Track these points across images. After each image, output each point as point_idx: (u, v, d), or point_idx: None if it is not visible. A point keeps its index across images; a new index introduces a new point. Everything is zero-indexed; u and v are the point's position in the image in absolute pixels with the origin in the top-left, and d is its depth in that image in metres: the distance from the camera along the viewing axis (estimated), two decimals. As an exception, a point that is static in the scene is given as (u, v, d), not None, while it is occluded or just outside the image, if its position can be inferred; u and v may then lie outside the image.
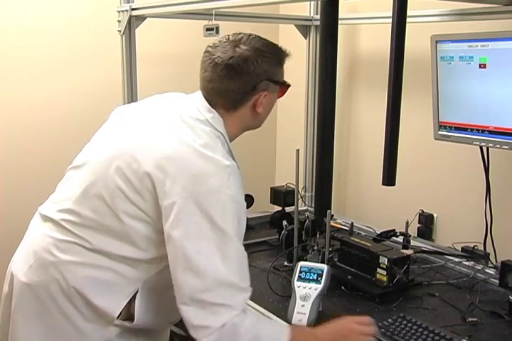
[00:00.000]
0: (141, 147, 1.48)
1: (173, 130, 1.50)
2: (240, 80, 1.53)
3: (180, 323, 2.43)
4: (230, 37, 1.56)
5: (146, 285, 1.54)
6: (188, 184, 1.39)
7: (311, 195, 3.04)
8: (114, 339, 1.54)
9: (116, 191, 1.47)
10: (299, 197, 2.48)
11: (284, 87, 1.64)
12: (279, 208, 2.82)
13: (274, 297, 1.97)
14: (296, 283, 1.80)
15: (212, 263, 1.38)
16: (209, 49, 1.56)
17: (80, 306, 1.50)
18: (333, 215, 2.56)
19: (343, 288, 2.03)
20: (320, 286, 1.77)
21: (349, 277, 2.06)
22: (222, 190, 1.40)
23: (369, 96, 2.89)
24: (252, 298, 1.89)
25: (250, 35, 1.57)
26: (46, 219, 1.60)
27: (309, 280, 1.79)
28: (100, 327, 1.52)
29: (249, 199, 2.70)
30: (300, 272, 1.82)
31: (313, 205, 2.92)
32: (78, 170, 1.61)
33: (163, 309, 1.58)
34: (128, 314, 1.53)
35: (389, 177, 1.66)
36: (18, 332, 1.57)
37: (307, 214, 2.52)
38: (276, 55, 1.59)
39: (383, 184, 1.67)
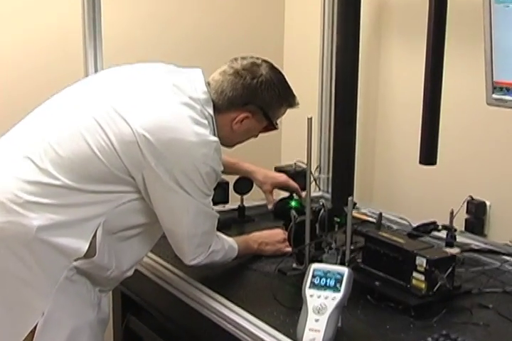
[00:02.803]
0: (134, 109, 1.91)
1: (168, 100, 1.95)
2: (237, 91, 2.03)
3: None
4: (262, 58, 2.09)
5: (104, 227, 1.92)
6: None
7: (328, 178, 3.05)
8: (66, 284, 1.89)
9: (104, 145, 1.86)
10: (312, 179, 2.48)
11: (271, 126, 2.15)
12: (286, 194, 2.82)
13: (280, 309, 1.98)
14: (308, 291, 1.80)
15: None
16: (238, 56, 2.08)
17: (38, 250, 1.84)
18: (355, 203, 2.57)
19: (368, 297, 2.04)
20: (339, 295, 1.77)
21: (377, 283, 2.07)
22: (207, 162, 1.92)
23: (402, 48, 2.89)
24: (251, 311, 1.90)
25: (276, 69, 2.10)
26: (14, 158, 1.92)
27: (325, 288, 1.79)
28: (55, 271, 1.87)
29: (247, 183, 2.71)
30: (313, 277, 1.82)
31: (330, 190, 2.92)
32: (57, 111, 2.00)
33: (116, 249, 1.99)
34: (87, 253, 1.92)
35: (428, 155, 1.66)
36: None
37: (322, 201, 2.52)
38: (284, 96, 2.12)
39: (421, 163, 1.67)
